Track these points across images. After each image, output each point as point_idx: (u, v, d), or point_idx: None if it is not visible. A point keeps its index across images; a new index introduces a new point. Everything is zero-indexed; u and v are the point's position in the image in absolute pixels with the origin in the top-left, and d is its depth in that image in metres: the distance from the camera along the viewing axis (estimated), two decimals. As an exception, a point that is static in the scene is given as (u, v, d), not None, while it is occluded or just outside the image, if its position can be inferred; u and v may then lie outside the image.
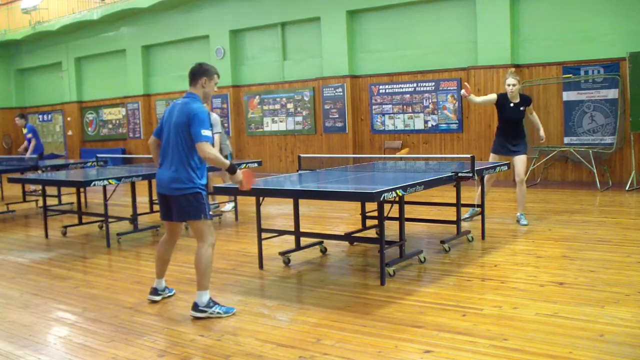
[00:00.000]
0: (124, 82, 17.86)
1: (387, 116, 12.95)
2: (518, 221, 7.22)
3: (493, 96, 7.30)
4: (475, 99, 7.19)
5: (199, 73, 4.38)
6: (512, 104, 7.15)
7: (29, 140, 12.23)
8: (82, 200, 9.62)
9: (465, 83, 7.27)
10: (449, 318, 4.02)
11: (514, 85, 7.08)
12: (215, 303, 4.28)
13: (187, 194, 4.28)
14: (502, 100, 7.18)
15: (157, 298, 4.69)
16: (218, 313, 4.23)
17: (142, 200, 8.75)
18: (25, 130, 12.33)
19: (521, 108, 7.17)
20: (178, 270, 5.69)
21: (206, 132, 4.18)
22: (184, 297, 4.79)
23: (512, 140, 7.23)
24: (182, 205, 4.29)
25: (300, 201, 6.16)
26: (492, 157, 7.38)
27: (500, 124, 7.34)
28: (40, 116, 20.84)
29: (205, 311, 4.22)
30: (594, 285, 4.64)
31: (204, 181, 4.42)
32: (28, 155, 11.99)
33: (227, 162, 4.38)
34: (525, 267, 5.25)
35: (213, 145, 8.87)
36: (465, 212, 7.21)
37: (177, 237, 4.66)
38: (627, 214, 7.86)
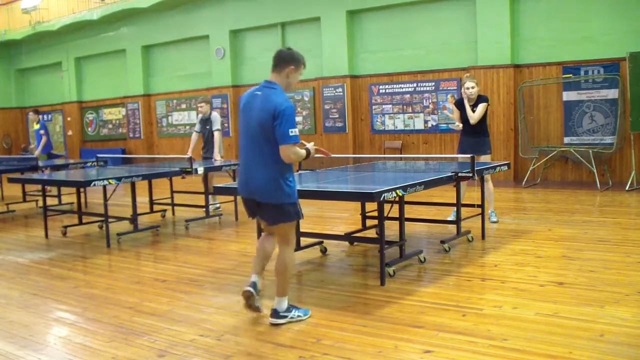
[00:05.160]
0: (124, 82, 17.86)
1: (387, 116, 12.95)
2: (489, 218, 7.32)
3: (454, 108, 7.54)
4: (460, 125, 7.41)
5: (286, 59, 3.92)
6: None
7: (40, 137, 12.22)
8: (82, 200, 9.62)
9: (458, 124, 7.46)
10: (449, 318, 4.02)
11: (472, 88, 7.24)
12: (294, 307, 4.11)
13: (279, 204, 3.94)
14: (460, 103, 7.40)
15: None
16: (298, 316, 4.06)
17: (142, 200, 8.74)
18: (38, 126, 12.31)
19: (475, 109, 7.26)
20: (178, 270, 5.70)
21: (295, 132, 3.78)
22: (184, 297, 4.79)
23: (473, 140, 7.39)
24: (273, 213, 3.99)
25: (301, 201, 6.15)
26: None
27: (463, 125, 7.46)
28: (40, 116, 20.80)
29: (285, 316, 4.02)
30: (594, 285, 4.64)
31: (295, 186, 4.04)
32: (38, 152, 12.00)
33: (303, 152, 3.96)
34: (525, 267, 5.25)
35: (211, 141, 8.95)
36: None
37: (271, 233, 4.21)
38: (627, 214, 7.86)
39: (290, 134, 3.76)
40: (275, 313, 4.03)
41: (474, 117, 7.18)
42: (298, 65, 3.95)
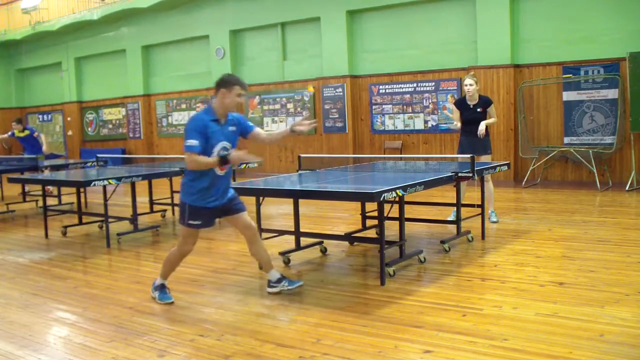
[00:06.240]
0: (124, 82, 17.86)
1: (387, 116, 12.95)
2: (489, 218, 7.32)
3: (454, 108, 7.56)
4: (458, 124, 7.45)
5: (217, 84, 4.40)
6: (471, 105, 7.33)
7: (36, 139, 12.14)
8: (82, 200, 9.62)
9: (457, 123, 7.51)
10: (449, 318, 4.02)
11: (470, 85, 7.25)
12: (163, 292, 4.69)
13: (180, 202, 4.55)
14: (460, 103, 7.42)
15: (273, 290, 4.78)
16: (159, 299, 4.67)
17: (142, 200, 8.74)
18: (26, 133, 12.16)
19: (478, 109, 7.27)
20: (178, 270, 5.67)
21: (189, 142, 4.25)
22: (184, 297, 4.79)
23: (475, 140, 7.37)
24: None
25: (300, 201, 6.16)
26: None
27: (463, 126, 7.44)
28: (40, 116, 20.83)
29: (152, 293, 4.75)
30: (594, 285, 4.64)
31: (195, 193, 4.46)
32: (45, 149, 11.96)
33: (212, 159, 4.37)
34: (525, 267, 5.25)
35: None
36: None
37: (243, 231, 4.67)
38: (627, 214, 7.86)
39: (186, 144, 4.27)
40: (153, 285, 4.79)
41: (492, 122, 7.31)
42: (228, 87, 4.35)
